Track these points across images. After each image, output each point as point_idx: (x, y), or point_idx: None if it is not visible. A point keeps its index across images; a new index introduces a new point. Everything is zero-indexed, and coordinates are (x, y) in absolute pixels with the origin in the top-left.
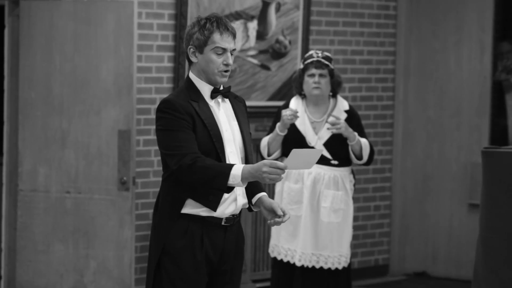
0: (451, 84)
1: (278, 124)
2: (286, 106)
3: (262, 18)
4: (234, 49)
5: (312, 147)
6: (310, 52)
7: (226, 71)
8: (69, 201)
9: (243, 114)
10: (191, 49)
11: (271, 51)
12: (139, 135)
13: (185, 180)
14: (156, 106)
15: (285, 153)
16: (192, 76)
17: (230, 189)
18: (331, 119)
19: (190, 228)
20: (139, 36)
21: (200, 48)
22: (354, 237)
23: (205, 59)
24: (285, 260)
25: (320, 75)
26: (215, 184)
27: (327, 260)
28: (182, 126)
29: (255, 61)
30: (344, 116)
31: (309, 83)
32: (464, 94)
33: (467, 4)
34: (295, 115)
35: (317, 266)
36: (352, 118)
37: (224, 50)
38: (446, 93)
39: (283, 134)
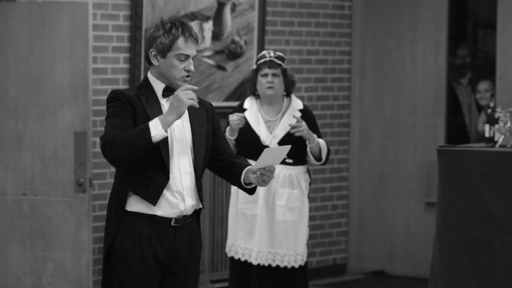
0: (406, 83)
1: (227, 129)
2: (241, 107)
3: (218, 18)
4: (195, 55)
5: (267, 146)
6: (263, 52)
7: (187, 77)
8: (25, 203)
9: (202, 117)
10: (153, 52)
11: (227, 51)
12: (95, 136)
13: (114, 157)
14: None
15: (240, 153)
16: (149, 75)
17: (252, 191)
18: (293, 122)
19: (138, 227)
20: (94, 37)
21: (163, 52)
22: (312, 236)
23: (167, 64)
24: (242, 259)
25: (273, 75)
26: (141, 141)
27: (283, 259)
28: (120, 114)
29: (211, 61)
30: (298, 115)
31: (262, 83)
32: (420, 93)
33: (421, 3)
34: (241, 120)
35: (273, 265)
36: (307, 117)
37: (187, 56)
38: (402, 92)
39: (233, 138)
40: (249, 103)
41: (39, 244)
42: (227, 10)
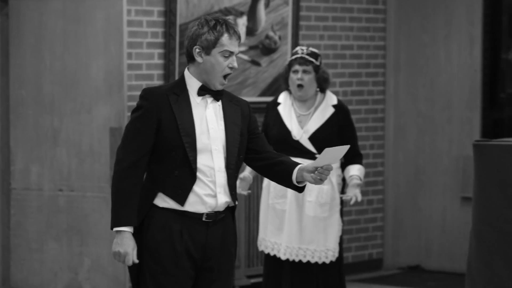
0: (441, 77)
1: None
2: (275, 101)
3: (252, 14)
4: (238, 53)
5: (297, 141)
6: (296, 48)
7: (228, 75)
8: (62, 199)
9: (237, 116)
10: (197, 49)
11: (261, 46)
12: None
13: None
14: None
15: (275, 149)
16: (186, 72)
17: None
18: (326, 116)
19: (169, 222)
20: (128, 33)
21: (208, 49)
22: (348, 231)
23: (211, 61)
24: (271, 253)
25: (304, 71)
26: (112, 211)
27: (313, 254)
28: (140, 131)
29: (245, 57)
30: (331, 111)
31: (293, 79)
32: (455, 87)
33: None
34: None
35: (304, 260)
36: (340, 113)
37: (231, 53)
38: (437, 87)
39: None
40: (283, 97)
41: (76, 239)
42: (261, 5)
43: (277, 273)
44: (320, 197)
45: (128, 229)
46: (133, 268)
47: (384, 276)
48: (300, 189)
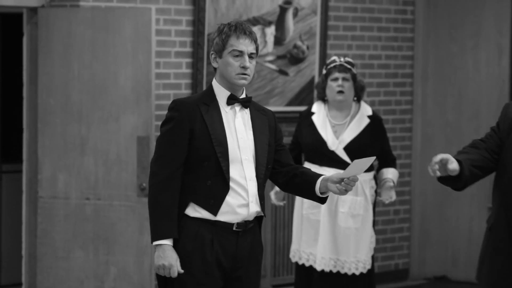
0: (469, 87)
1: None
2: (309, 111)
3: (280, 23)
4: (253, 53)
5: (332, 151)
6: (333, 57)
7: (244, 74)
8: (89, 207)
9: (264, 126)
10: (213, 55)
11: (289, 56)
12: None
13: (148, 198)
14: None
15: (308, 159)
16: (214, 82)
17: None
18: (362, 126)
19: (200, 232)
20: (157, 42)
21: (220, 52)
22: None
23: (223, 63)
24: (306, 264)
25: (344, 79)
26: (151, 227)
27: (343, 265)
28: (174, 142)
29: (273, 66)
30: (366, 121)
31: (332, 87)
32: (483, 97)
33: (484, 8)
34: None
35: (334, 271)
36: (375, 124)
37: (241, 52)
38: (465, 97)
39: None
40: (317, 107)
41: (102, 248)
42: (289, 15)
43: (308, 283)
44: (353, 209)
45: (169, 242)
46: (161, 278)
47: (410, 286)
48: (323, 200)
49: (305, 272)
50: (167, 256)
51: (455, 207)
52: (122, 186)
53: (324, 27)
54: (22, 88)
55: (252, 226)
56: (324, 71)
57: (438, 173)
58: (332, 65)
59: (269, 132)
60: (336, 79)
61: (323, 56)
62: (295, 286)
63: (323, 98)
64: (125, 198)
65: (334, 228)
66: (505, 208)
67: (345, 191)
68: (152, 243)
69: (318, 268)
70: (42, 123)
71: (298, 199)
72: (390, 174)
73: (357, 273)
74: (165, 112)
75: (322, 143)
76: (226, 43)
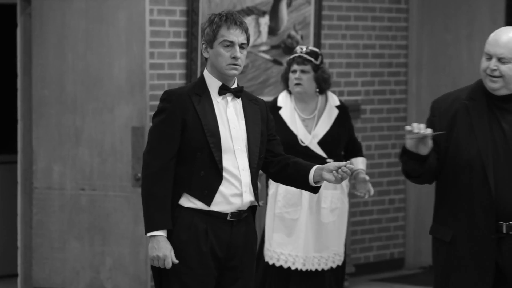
0: (463, 77)
1: None
2: (275, 105)
3: (274, 13)
4: (244, 43)
5: (305, 146)
6: (296, 48)
7: (234, 64)
8: (84, 198)
9: (257, 116)
10: (204, 45)
11: (283, 46)
12: None
13: (141, 190)
14: None
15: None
16: (205, 72)
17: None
18: (332, 118)
19: (194, 222)
20: (151, 33)
21: (210, 43)
22: (369, 230)
23: (214, 53)
24: (277, 264)
25: (302, 71)
26: (144, 219)
27: (327, 261)
28: (166, 134)
29: (267, 56)
30: (336, 112)
31: (291, 79)
32: None
33: None
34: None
35: (319, 269)
36: (343, 113)
37: (231, 42)
38: (459, 87)
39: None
40: (283, 100)
41: (98, 239)
42: (283, 4)
43: (283, 283)
44: (333, 203)
45: (163, 233)
46: (155, 268)
47: (405, 276)
48: (316, 190)
49: (279, 273)
50: (161, 247)
51: None
52: (117, 177)
53: (318, 17)
54: (16, 79)
55: (246, 215)
56: (286, 62)
57: (421, 132)
58: (291, 56)
59: (261, 122)
60: (294, 71)
61: (318, 46)
62: (262, 285)
63: (287, 89)
64: (120, 188)
65: (317, 225)
66: (468, 214)
67: (341, 180)
68: (146, 234)
69: (304, 268)
70: (37, 114)
71: (270, 197)
72: (361, 164)
73: (334, 266)
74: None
75: (294, 138)
76: (217, 34)
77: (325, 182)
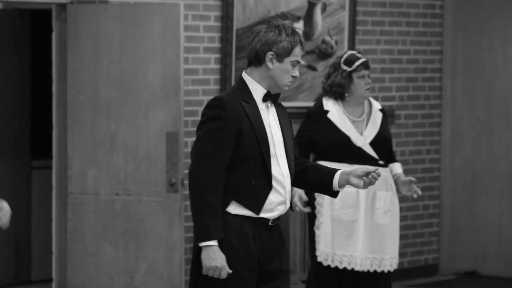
0: (498, 82)
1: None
2: (320, 109)
3: (308, 18)
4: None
5: (359, 148)
6: (352, 53)
7: (291, 82)
8: (118, 203)
9: (286, 121)
10: (270, 55)
11: (317, 51)
12: (187, 137)
13: (190, 197)
14: (202, 108)
15: (327, 157)
16: (246, 77)
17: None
18: (379, 120)
19: (243, 228)
20: (185, 38)
21: (282, 57)
22: (404, 236)
23: (281, 68)
24: (340, 267)
25: (368, 76)
26: (195, 229)
27: (380, 263)
28: (222, 143)
29: (301, 61)
30: (380, 115)
31: (361, 84)
32: None
33: None
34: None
35: (374, 270)
36: (385, 117)
37: (298, 63)
38: (494, 92)
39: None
40: (329, 104)
41: (132, 244)
42: (318, 10)
43: (337, 284)
44: (386, 204)
45: (216, 243)
46: (194, 273)
47: (440, 282)
48: (336, 194)
49: (334, 275)
50: (218, 257)
51: (484, 202)
52: (151, 182)
53: (353, 22)
54: (52, 84)
55: (279, 220)
56: (345, 68)
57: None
58: (359, 62)
59: (291, 127)
60: (363, 77)
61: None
62: (313, 285)
63: (340, 95)
64: (155, 194)
65: (371, 226)
66: None
67: (368, 185)
68: (198, 243)
69: (359, 269)
70: (72, 119)
71: (327, 200)
72: (399, 168)
73: (392, 269)
74: (193, 108)
75: (347, 140)
76: (291, 51)
77: (378, 182)
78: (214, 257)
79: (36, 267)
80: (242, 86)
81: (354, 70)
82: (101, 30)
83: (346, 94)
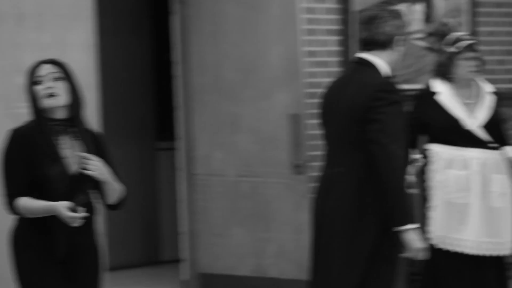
0: None
1: None
2: (428, 91)
3: (428, 0)
4: None
5: (469, 131)
6: (459, 34)
7: None
8: (245, 184)
9: None
10: (401, 39)
11: (438, 33)
12: (310, 119)
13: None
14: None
15: (439, 140)
16: (380, 62)
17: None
18: (489, 100)
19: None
20: (304, 20)
21: (403, 41)
22: None
23: (402, 52)
24: (452, 250)
25: (476, 58)
26: (404, 209)
27: (496, 247)
28: (404, 123)
29: (422, 44)
30: (492, 97)
31: (464, 66)
32: None
33: None
34: None
35: (487, 254)
36: (500, 100)
37: None
38: None
39: None
40: (440, 86)
41: (260, 225)
42: None
43: (456, 269)
44: (502, 187)
45: None
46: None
47: None
48: None
49: (443, 256)
50: (422, 240)
51: None
52: (276, 164)
53: (473, 3)
54: (172, 67)
55: None
56: (450, 49)
57: None
58: (463, 44)
59: None
60: (470, 58)
61: (473, 33)
62: (426, 270)
63: (445, 77)
64: (280, 175)
65: (486, 210)
66: None
67: None
68: (403, 226)
69: (473, 252)
70: (196, 101)
71: (440, 183)
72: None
73: (508, 253)
74: (314, 90)
75: (456, 122)
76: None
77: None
78: (420, 239)
79: (165, 248)
80: (375, 69)
81: (459, 52)
82: (221, 13)
83: (451, 75)
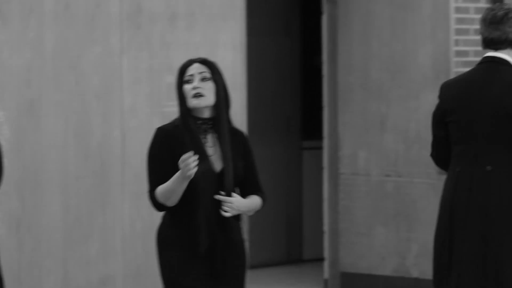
0: None
1: None
2: None
3: None
4: None
5: None
6: None
7: None
8: (389, 184)
9: None
10: None
11: None
12: None
13: None
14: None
15: None
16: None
17: None
18: None
19: None
20: (455, 20)
21: None
22: None
23: None
24: None
25: None
26: None
27: None
28: None
29: None
30: None
31: None
32: None
33: None
34: None
35: None
36: None
37: None
38: None
39: None
40: None
41: (403, 225)
42: None
43: None
44: None
45: None
46: None
47: None
48: None
49: None
50: None
51: None
52: (422, 164)
53: None
54: (322, 66)
55: None
56: None
57: None
58: None
59: None
60: None
61: None
62: None
63: None
64: (426, 175)
65: None
66: None
67: None
68: None
69: None
70: (342, 100)
71: None
72: None
73: None
74: None
75: None
76: None
77: None
78: None
79: (307, 246)
80: None
81: None
82: (371, 12)
83: None
